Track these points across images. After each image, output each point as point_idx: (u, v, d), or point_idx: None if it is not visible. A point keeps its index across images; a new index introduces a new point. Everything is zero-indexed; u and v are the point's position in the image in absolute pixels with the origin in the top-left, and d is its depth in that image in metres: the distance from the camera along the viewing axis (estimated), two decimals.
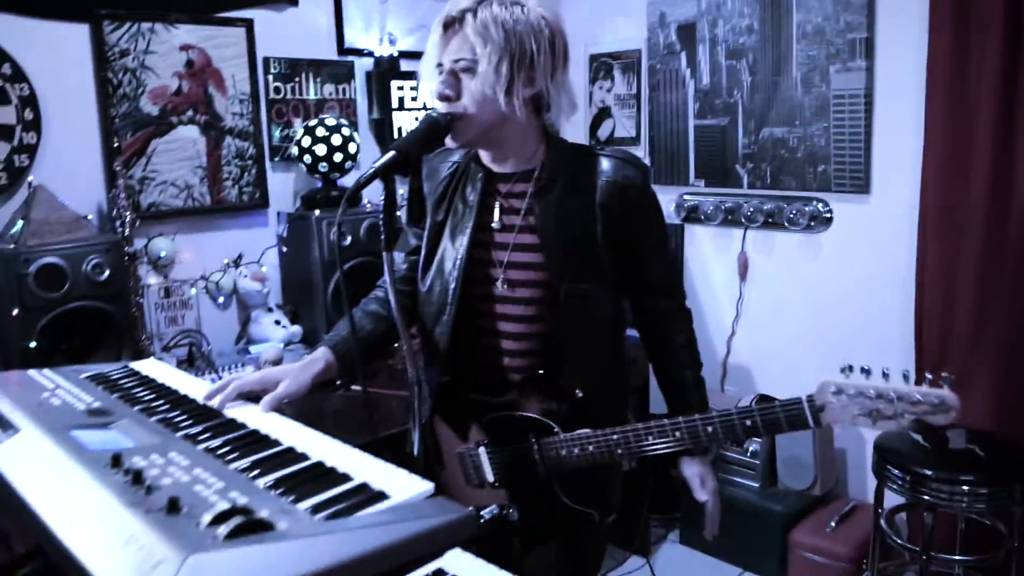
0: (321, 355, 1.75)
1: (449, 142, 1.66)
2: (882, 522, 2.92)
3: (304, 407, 2.64)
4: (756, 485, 3.45)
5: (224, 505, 1.04)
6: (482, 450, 1.74)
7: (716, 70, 3.70)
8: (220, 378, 2.69)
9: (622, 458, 1.63)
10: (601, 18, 4.10)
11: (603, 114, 4.19)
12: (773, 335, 3.66)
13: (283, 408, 2.64)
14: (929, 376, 1.41)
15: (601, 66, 4.16)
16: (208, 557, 0.91)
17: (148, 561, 0.92)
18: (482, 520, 1.71)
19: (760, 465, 3.43)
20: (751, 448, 3.43)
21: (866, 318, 3.36)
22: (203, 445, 1.34)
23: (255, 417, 1.52)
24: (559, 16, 1.69)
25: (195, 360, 2.83)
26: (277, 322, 3.08)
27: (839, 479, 3.54)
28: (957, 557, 2.88)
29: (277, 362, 2.59)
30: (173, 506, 1.03)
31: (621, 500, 1.88)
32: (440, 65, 1.64)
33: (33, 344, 2.36)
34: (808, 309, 3.54)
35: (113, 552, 0.95)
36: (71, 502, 1.10)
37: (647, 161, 3.97)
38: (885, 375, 1.44)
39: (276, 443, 1.37)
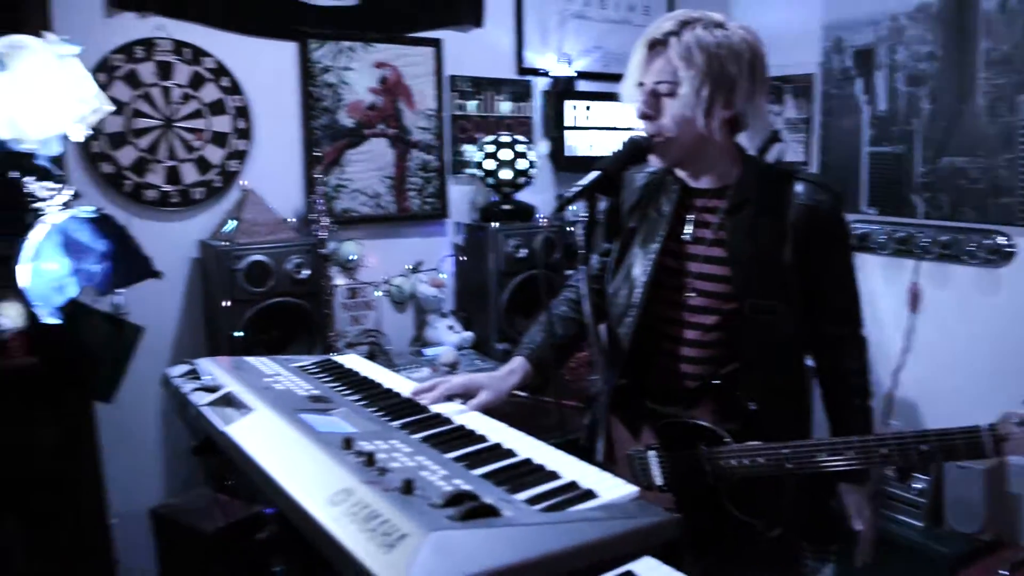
0: (519, 366, 1.84)
1: (652, 161, 1.74)
2: None
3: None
4: (920, 524, 3.34)
5: (453, 490, 1.14)
6: (652, 453, 1.79)
7: (894, 96, 3.62)
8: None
9: (791, 472, 1.64)
10: (773, 41, 4.01)
11: (772, 138, 4.16)
12: (945, 371, 3.54)
13: None
14: None
15: (772, 89, 4.14)
16: (447, 535, 1.00)
17: (393, 534, 1.02)
18: None
19: (926, 504, 3.32)
20: (916, 486, 3.33)
21: None
22: (418, 435, 1.45)
23: (459, 415, 1.63)
24: (760, 39, 1.73)
25: (376, 358, 3.00)
26: (451, 327, 3.23)
27: (1013, 526, 3.39)
28: None
29: (454, 365, 2.73)
30: (407, 487, 1.13)
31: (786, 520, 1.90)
32: (642, 84, 1.71)
33: (240, 334, 2.57)
34: (985, 347, 3.41)
35: (357, 524, 1.05)
36: (311, 476, 1.21)
37: None
38: None
39: (483, 439, 1.46)
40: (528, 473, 1.31)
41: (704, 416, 1.75)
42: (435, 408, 1.66)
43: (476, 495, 1.14)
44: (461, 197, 3.49)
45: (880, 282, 3.77)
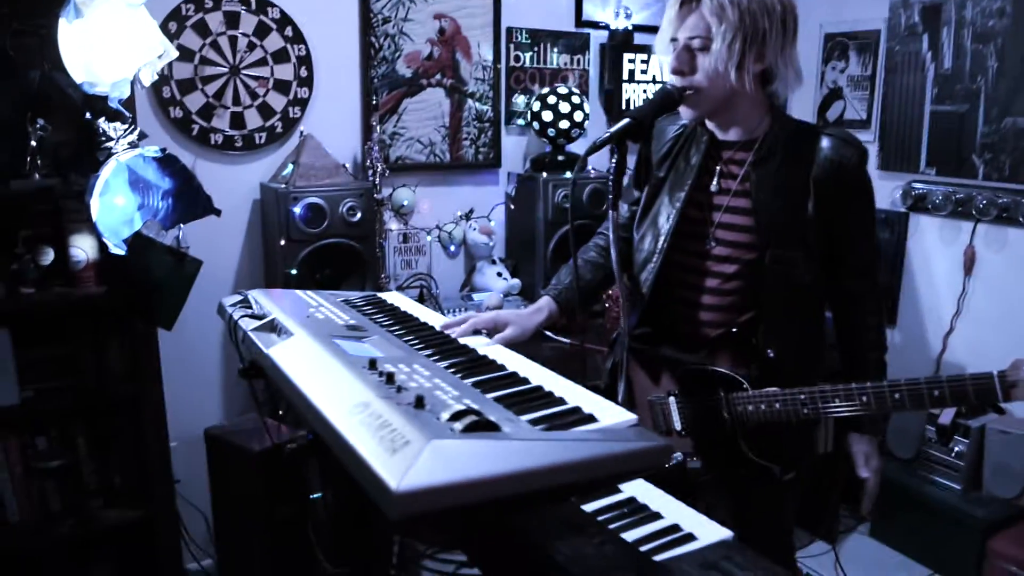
0: (544, 304, 1.94)
1: (683, 113, 1.80)
2: None
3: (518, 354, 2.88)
4: (959, 488, 3.34)
5: (460, 407, 1.24)
6: (672, 399, 1.87)
7: (960, 54, 3.55)
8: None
9: (807, 417, 1.70)
10: None
11: (834, 95, 4.12)
12: (997, 336, 3.51)
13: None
14: None
15: (836, 46, 4.09)
16: (446, 443, 1.10)
17: (398, 441, 1.12)
18: (666, 467, 1.86)
19: (965, 467, 3.32)
20: (956, 448, 3.33)
21: None
22: (441, 363, 1.56)
23: (484, 347, 1.73)
24: None
25: (424, 301, 3.12)
26: (499, 274, 3.33)
27: None
28: None
29: (498, 308, 2.83)
30: (419, 402, 1.24)
31: (809, 472, 1.96)
32: (675, 40, 1.76)
33: (294, 271, 2.71)
34: None
35: (369, 432, 1.16)
36: (337, 392, 1.32)
37: (876, 145, 3.89)
38: None
39: (502, 368, 1.57)
40: (536, 399, 1.40)
41: (723, 363, 1.82)
42: (463, 340, 1.78)
43: (481, 413, 1.24)
44: (515, 147, 3.56)
45: (936, 244, 3.73)
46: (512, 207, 3.45)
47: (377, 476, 1.04)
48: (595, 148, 1.69)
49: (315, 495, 2.17)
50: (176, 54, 2.47)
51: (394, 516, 1.02)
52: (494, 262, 3.39)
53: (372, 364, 1.44)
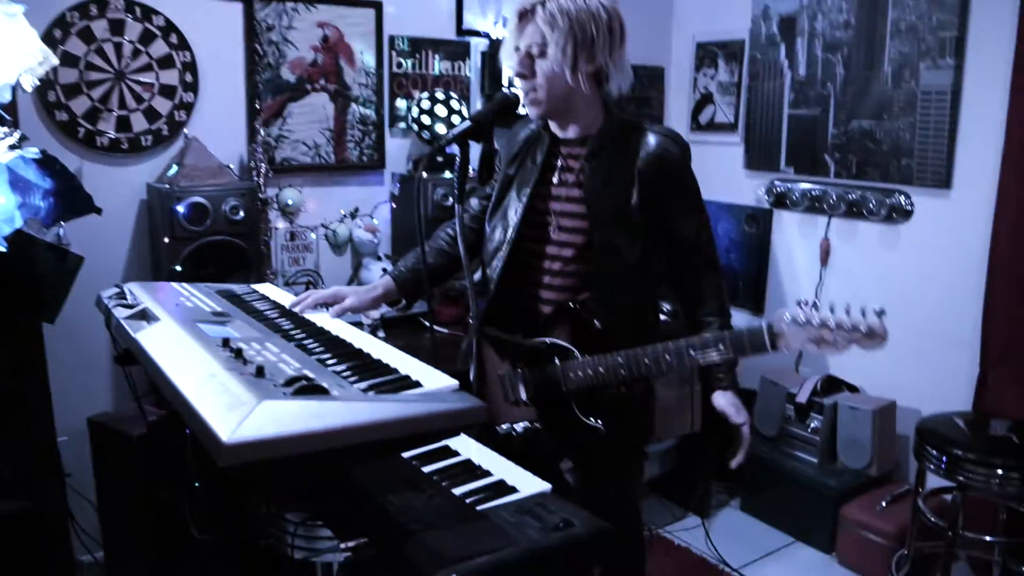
0: (382, 283, 2.23)
1: (529, 112, 2.03)
2: (919, 502, 3.05)
3: (400, 345, 3.04)
4: (815, 460, 3.62)
5: (294, 375, 1.41)
6: (517, 372, 2.07)
7: (812, 62, 3.85)
8: None
9: (626, 378, 1.93)
10: (710, 8, 4.32)
11: (705, 100, 4.40)
12: None
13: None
14: (876, 309, 1.69)
15: (707, 54, 4.37)
16: (276, 403, 1.27)
17: (235, 402, 1.28)
18: (514, 433, 2.06)
19: (820, 442, 3.60)
20: (812, 425, 3.61)
21: (938, 309, 3.47)
22: (294, 341, 1.72)
23: (334, 324, 1.93)
24: (616, 2, 1.97)
25: None
26: (385, 270, 3.47)
27: (899, 463, 3.67)
28: (988, 538, 2.99)
29: None
30: (260, 372, 1.40)
31: (645, 430, 2.19)
32: (517, 49, 1.99)
33: (179, 268, 2.82)
34: (884, 297, 3.56)
35: (213, 398, 1.31)
36: (190, 367, 1.47)
37: (742, 147, 4.18)
38: (831, 309, 1.72)
39: (348, 344, 1.74)
40: (370, 368, 1.59)
41: (560, 337, 2.03)
42: (312, 317, 2.00)
43: (313, 379, 1.41)
44: (398, 149, 3.72)
45: (796, 237, 4.02)
46: (395, 206, 3.62)
47: (212, 431, 1.20)
48: (439, 148, 1.91)
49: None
50: (56, 61, 2.56)
51: (224, 464, 1.18)
52: (380, 258, 3.55)
53: (225, 343, 1.59)
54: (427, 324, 3.04)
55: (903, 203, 3.57)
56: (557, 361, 2.02)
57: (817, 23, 3.82)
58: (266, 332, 1.78)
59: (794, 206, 3.96)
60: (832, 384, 3.73)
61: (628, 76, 2.03)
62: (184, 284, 2.24)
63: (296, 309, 2.04)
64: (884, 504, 3.38)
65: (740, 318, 3.58)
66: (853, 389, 3.73)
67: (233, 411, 1.25)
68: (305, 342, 1.73)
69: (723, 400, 2.09)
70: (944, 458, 2.83)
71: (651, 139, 2.02)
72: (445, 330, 3.18)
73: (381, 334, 3.07)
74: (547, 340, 2.04)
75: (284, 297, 2.25)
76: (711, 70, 4.37)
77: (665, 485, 3.96)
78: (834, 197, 3.78)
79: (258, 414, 1.23)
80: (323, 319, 1.99)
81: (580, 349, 2.00)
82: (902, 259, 3.62)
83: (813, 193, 3.89)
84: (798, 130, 3.95)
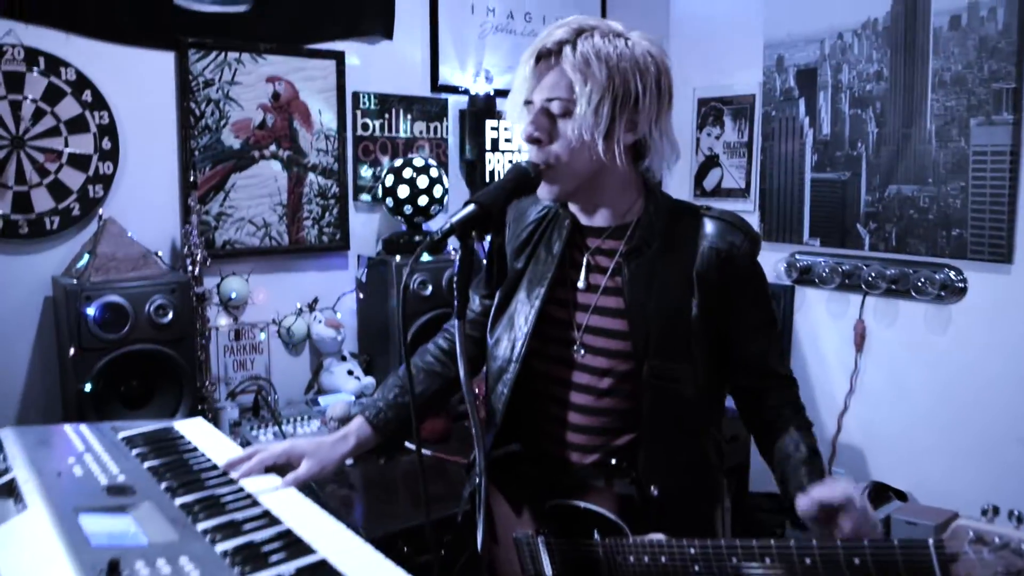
0: (354, 429, 1.62)
1: (540, 192, 1.45)
2: None
3: (371, 474, 2.45)
4: None
5: None
6: (540, 539, 1.49)
7: (838, 119, 3.40)
8: (283, 433, 2.52)
9: (698, 574, 1.33)
10: (712, 60, 3.85)
11: (710, 163, 3.92)
12: (892, 415, 3.30)
13: (347, 472, 2.42)
14: None
15: (710, 111, 3.89)
16: None
17: None
18: None
19: None
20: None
21: (1003, 403, 2.99)
22: (220, 547, 1.13)
23: (273, 494, 1.39)
24: (665, 51, 1.46)
25: (260, 409, 2.66)
26: (350, 372, 2.90)
27: None
28: None
29: (344, 420, 2.39)
30: None
31: None
32: (530, 103, 1.44)
33: (87, 388, 2.21)
34: (934, 388, 3.18)
35: None
36: None
37: (756, 215, 3.69)
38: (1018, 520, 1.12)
39: (309, 548, 1.15)
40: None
41: (597, 497, 1.47)
42: (257, 487, 1.41)
43: None
44: (365, 227, 3.17)
45: (825, 318, 3.53)
46: (362, 295, 3.04)
47: None
48: (433, 243, 1.33)
49: None
50: None
51: None
52: (344, 359, 2.96)
53: (112, 568, 1.01)
54: (407, 445, 2.43)
55: (954, 279, 3.09)
56: (597, 536, 1.44)
57: (842, 75, 3.37)
58: (185, 528, 1.20)
59: (822, 283, 3.46)
60: (879, 493, 3.19)
61: (676, 150, 1.49)
62: (82, 428, 1.70)
63: (234, 475, 1.43)
64: None
65: None
66: (902, 497, 3.20)
67: None
68: (236, 549, 1.13)
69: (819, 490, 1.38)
70: None
71: (710, 229, 1.48)
72: (428, 451, 2.56)
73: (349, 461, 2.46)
74: (581, 505, 1.46)
75: (219, 442, 1.68)
76: (716, 128, 3.89)
77: None
78: (870, 273, 3.29)
79: None
80: (272, 496, 1.38)
81: (627, 522, 1.42)
82: (954, 344, 3.13)
83: (844, 268, 3.39)
84: (823, 196, 3.47)
